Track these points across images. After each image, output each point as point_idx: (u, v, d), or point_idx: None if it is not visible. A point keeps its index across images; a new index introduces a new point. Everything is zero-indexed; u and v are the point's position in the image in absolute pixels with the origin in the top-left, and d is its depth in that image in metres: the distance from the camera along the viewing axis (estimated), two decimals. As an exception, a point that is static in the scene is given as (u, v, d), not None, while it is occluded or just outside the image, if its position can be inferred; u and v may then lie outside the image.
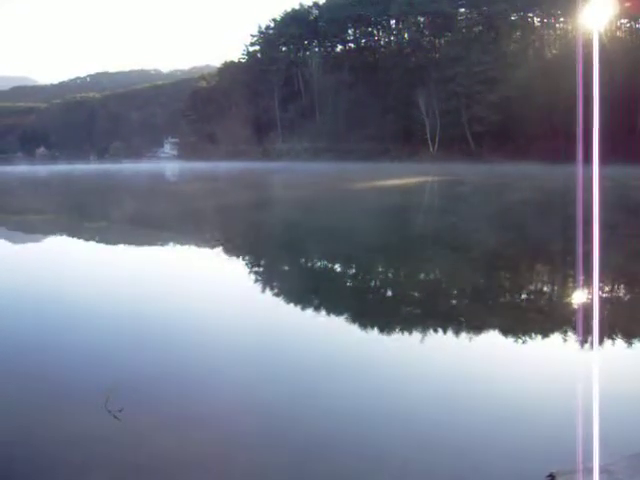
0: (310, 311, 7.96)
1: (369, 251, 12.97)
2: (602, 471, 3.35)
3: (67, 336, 6.67)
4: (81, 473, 3.74)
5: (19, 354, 6.05)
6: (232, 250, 13.92)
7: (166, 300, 8.31)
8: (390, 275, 11.02)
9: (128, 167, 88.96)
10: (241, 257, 13.12)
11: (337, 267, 11.75)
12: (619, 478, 3.33)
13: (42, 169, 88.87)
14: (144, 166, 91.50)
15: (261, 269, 11.74)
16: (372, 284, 10.11)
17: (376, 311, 7.89)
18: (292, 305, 8.49)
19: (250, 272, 11.24)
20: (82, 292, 8.87)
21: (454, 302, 8.54)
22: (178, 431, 4.27)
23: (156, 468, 3.79)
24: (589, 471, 3.36)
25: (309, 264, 12.26)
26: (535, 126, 60.81)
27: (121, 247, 14.70)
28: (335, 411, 4.57)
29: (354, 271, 11.33)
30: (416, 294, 9.18)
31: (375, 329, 6.93)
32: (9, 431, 4.28)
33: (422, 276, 10.67)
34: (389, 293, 9.35)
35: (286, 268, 11.81)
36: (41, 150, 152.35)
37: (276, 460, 3.87)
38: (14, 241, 16.10)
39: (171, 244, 14.78)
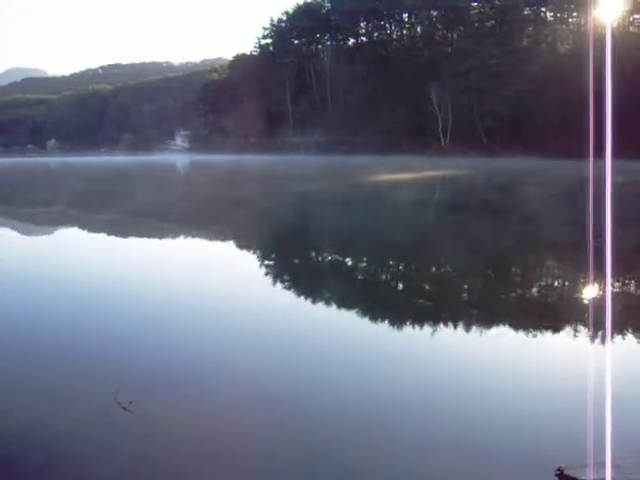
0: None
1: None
2: (611, 466, 3.35)
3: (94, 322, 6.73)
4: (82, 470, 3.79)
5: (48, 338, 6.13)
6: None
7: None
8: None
9: (143, 160, 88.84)
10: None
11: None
12: (628, 473, 3.33)
13: (54, 161, 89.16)
14: (156, 159, 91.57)
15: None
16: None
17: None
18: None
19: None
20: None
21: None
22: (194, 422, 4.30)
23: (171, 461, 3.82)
24: (597, 466, 3.37)
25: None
26: (547, 121, 60.38)
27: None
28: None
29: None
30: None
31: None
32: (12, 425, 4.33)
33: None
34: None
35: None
36: (52, 142, 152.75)
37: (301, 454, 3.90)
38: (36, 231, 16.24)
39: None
